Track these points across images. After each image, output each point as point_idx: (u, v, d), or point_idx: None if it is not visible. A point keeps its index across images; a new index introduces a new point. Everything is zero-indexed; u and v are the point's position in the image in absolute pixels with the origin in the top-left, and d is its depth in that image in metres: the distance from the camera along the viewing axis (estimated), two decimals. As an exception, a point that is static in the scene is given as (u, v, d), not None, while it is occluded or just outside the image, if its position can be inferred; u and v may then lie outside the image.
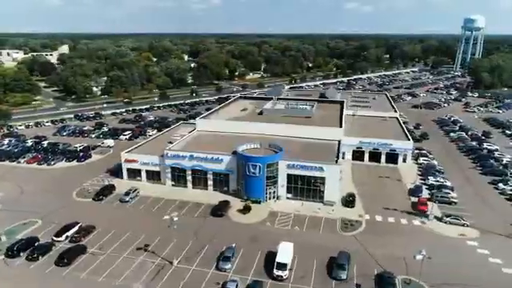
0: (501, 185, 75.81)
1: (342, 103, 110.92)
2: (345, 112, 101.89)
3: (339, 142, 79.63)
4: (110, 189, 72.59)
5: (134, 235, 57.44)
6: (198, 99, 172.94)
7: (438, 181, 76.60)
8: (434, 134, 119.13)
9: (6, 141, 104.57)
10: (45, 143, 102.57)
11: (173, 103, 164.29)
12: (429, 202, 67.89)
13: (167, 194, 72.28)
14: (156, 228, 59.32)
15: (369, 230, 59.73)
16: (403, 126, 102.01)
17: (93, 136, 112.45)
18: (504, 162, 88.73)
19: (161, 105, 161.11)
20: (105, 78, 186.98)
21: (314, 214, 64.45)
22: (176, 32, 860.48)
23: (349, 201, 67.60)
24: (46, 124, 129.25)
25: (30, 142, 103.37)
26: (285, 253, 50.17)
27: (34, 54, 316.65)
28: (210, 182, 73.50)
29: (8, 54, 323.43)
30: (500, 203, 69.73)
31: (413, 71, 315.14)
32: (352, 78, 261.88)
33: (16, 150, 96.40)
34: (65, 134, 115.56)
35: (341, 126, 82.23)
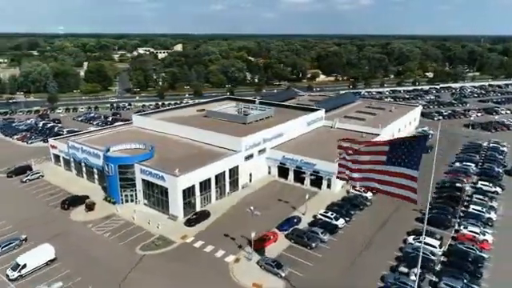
0: (409, 239, 54.96)
1: (315, 110, 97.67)
2: (299, 122, 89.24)
3: (235, 152, 70.86)
4: (24, 168, 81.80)
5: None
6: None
7: (327, 216, 60.56)
8: (439, 162, 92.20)
9: (29, 121, 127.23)
10: (48, 125, 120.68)
11: (202, 100, 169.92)
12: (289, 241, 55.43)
13: (61, 181, 77.00)
14: (12, 210, 64.63)
15: (167, 255, 52.30)
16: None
17: (94, 123, 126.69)
18: (470, 210, 63.54)
19: (190, 101, 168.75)
20: (163, 74, 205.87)
21: (143, 225, 59.58)
22: (317, 33, 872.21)
23: (191, 219, 60.03)
24: (81, 110, 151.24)
25: (41, 124, 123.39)
26: (33, 255, 48.81)
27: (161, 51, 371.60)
28: (96, 176, 75.28)
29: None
30: (370, 260, 50.88)
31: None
32: (438, 86, 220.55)
33: (25, 128, 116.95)
34: (79, 119, 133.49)
35: (245, 136, 72.39)
